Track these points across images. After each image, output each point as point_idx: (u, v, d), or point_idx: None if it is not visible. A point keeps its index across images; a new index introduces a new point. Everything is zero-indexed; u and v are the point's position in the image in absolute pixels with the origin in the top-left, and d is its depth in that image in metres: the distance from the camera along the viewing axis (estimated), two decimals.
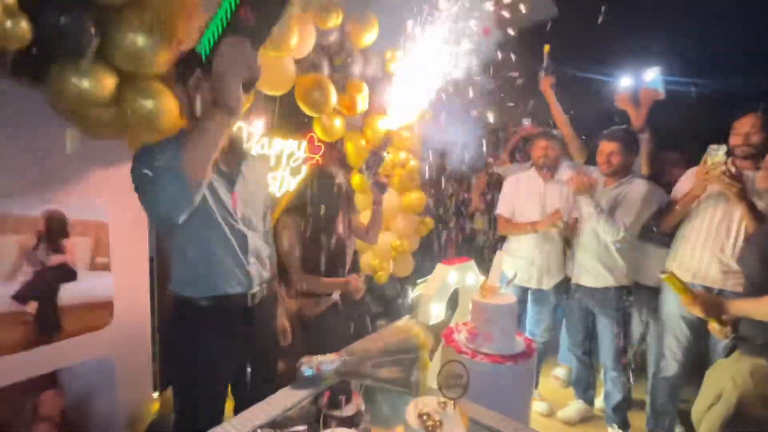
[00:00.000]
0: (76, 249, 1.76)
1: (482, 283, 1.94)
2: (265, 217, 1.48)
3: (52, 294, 1.70)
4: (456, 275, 2.56)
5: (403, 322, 1.83)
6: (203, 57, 0.93)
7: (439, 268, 2.52)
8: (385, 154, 1.90)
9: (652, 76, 2.52)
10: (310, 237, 1.83)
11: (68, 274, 1.74)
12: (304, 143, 2.59)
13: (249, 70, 0.93)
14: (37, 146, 1.57)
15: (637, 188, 2.21)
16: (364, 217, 2.27)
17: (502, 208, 2.66)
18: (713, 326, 1.46)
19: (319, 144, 2.62)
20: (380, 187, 1.95)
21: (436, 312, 2.53)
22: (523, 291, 2.62)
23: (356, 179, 2.61)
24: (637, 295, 2.43)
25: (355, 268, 2.06)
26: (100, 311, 1.84)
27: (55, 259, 1.70)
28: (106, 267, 1.85)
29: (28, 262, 1.63)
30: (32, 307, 1.64)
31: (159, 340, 1.99)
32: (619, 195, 2.25)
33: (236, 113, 0.99)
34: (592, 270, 2.33)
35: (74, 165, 1.69)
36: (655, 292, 2.38)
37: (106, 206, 1.82)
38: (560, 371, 3.12)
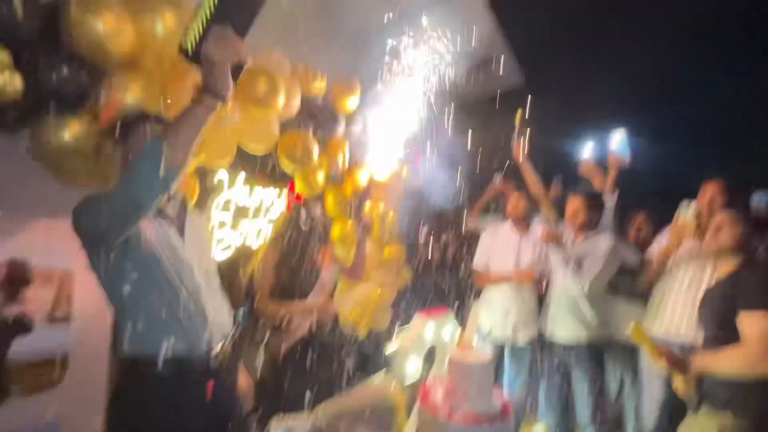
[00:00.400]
0: (36, 300, 1.68)
1: (459, 340, 1.93)
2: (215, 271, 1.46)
3: (3, 348, 1.59)
4: (433, 327, 2.54)
5: (379, 379, 1.77)
6: (189, 52, 0.94)
7: (417, 319, 2.49)
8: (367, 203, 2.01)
9: (618, 141, 2.72)
10: (285, 265, 1.86)
11: (23, 326, 1.64)
12: (285, 192, 2.63)
13: (236, 54, 0.94)
14: (3, 190, 1.54)
15: (603, 243, 2.33)
16: (337, 252, 2.32)
17: (478, 262, 2.72)
18: (677, 384, 1.49)
19: (299, 194, 2.67)
20: (365, 227, 2.11)
21: (413, 369, 2.46)
22: (500, 347, 2.61)
23: (336, 230, 2.64)
24: (611, 351, 2.45)
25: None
26: (52, 369, 1.71)
27: (11, 310, 1.61)
28: (66, 319, 1.76)
29: None
30: None
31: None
32: (586, 249, 2.36)
33: (224, 98, 0.99)
34: (564, 325, 2.36)
35: (43, 210, 1.65)
36: (629, 348, 2.41)
37: (74, 254, 1.76)
38: (539, 428, 3.02)
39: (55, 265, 1.74)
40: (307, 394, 1.66)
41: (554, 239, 2.27)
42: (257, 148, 2.04)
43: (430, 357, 2.64)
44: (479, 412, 1.65)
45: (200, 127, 1.01)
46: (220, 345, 1.30)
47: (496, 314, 2.54)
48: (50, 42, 1.32)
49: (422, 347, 2.52)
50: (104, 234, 1.09)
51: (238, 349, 1.54)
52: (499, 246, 2.67)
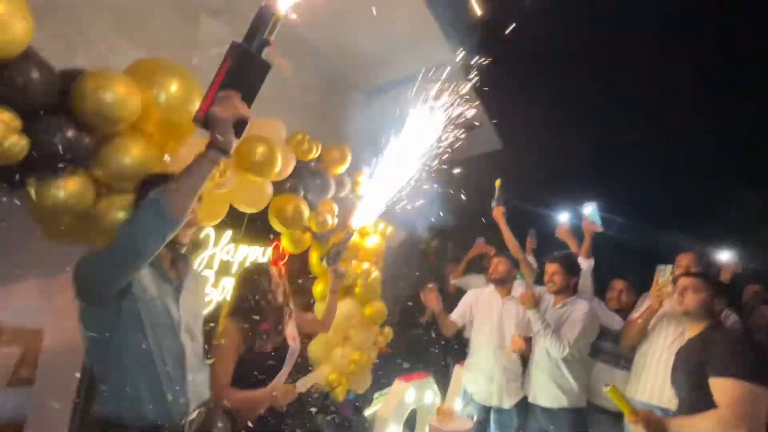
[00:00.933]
0: (1, 358, 1.59)
1: (439, 407, 1.90)
2: (200, 331, 1.45)
3: None
4: (414, 393, 2.49)
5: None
6: (200, 117, 1.01)
7: (397, 384, 2.44)
8: (344, 247, 2.03)
9: (589, 210, 2.92)
10: (246, 343, 1.72)
11: None
12: (269, 250, 2.65)
13: (238, 112, 0.99)
14: None
15: (581, 308, 2.41)
16: (318, 309, 2.27)
17: (455, 315, 2.76)
18: None
19: (284, 251, 2.69)
20: (339, 275, 2.08)
21: None
22: (486, 411, 2.56)
23: (318, 288, 2.65)
24: (595, 417, 2.44)
25: (303, 371, 1.96)
26: None
27: None
28: (29, 381, 1.66)
29: None
30: None
31: None
32: (564, 314, 2.42)
33: (227, 152, 1.05)
34: (546, 389, 2.37)
35: (20, 267, 1.62)
36: (614, 414, 2.39)
37: (44, 311, 1.71)
38: None
39: (25, 322, 1.68)
40: None
41: (532, 302, 2.34)
42: (249, 209, 2.10)
43: (410, 422, 2.56)
44: None
45: (203, 179, 1.08)
46: (195, 412, 1.26)
47: (480, 378, 2.53)
48: (60, 107, 1.40)
49: (402, 413, 2.44)
50: (102, 284, 1.12)
51: (212, 416, 1.48)
52: (482, 308, 2.72)
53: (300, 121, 2.55)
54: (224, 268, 2.41)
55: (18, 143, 1.25)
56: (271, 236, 2.64)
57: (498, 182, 3.05)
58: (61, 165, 1.37)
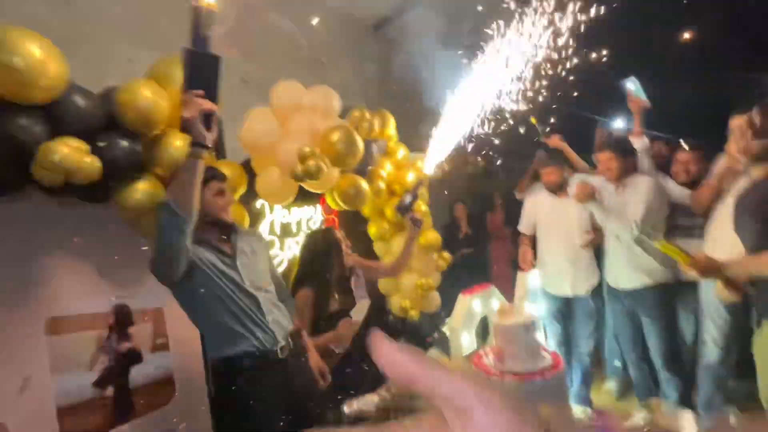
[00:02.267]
0: (140, 335, 2.03)
1: (500, 307, 2.07)
2: (274, 278, 1.75)
3: (125, 377, 1.95)
4: (479, 303, 2.68)
5: (432, 354, 1.96)
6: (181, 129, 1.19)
7: (460, 299, 2.64)
8: (417, 194, 2.16)
9: (631, 86, 2.70)
10: (317, 300, 1.97)
11: (136, 357, 2.00)
12: (319, 207, 2.88)
13: (199, 109, 1.15)
14: (100, 252, 1.89)
15: (642, 185, 2.34)
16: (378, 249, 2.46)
17: (522, 226, 2.85)
18: (719, 290, 1.49)
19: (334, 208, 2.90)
20: (416, 222, 2.20)
21: (467, 343, 2.62)
22: (563, 301, 2.69)
23: (373, 229, 2.85)
24: (682, 292, 2.42)
25: (376, 312, 2.19)
26: (164, 388, 2.06)
27: (124, 346, 1.97)
28: (165, 347, 2.10)
29: (104, 351, 1.89)
30: (109, 391, 1.89)
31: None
32: (626, 195, 2.37)
33: (204, 145, 1.24)
34: (627, 272, 2.40)
35: (134, 263, 1.99)
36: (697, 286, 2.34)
37: (162, 294, 2.10)
38: (611, 384, 3.07)
39: (148, 305, 2.08)
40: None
41: (586, 194, 2.32)
42: (318, 191, 2.27)
43: (484, 330, 2.79)
44: (529, 369, 1.78)
45: (195, 174, 1.27)
46: (282, 340, 1.57)
47: (551, 274, 2.65)
48: (110, 124, 1.63)
49: (472, 321, 2.66)
50: (160, 272, 1.44)
51: (303, 341, 1.80)
52: (542, 210, 2.78)
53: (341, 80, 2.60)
54: (285, 230, 2.70)
55: (92, 164, 1.51)
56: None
57: (533, 119, 2.96)
58: (128, 172, 1.63)
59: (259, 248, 1.79)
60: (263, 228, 2.56)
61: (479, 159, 6.44)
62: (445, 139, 2.11)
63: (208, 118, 1.15)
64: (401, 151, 2.89)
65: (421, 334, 3.14)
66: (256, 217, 2.50)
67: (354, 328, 2.00)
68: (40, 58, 1.33)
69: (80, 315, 1.82)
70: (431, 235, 3.08)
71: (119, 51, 2.42)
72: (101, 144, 1.56)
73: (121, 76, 1.79)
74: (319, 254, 1.99)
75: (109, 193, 1.66)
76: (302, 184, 2.19)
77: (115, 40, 2.42)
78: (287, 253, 2.69)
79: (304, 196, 2.78)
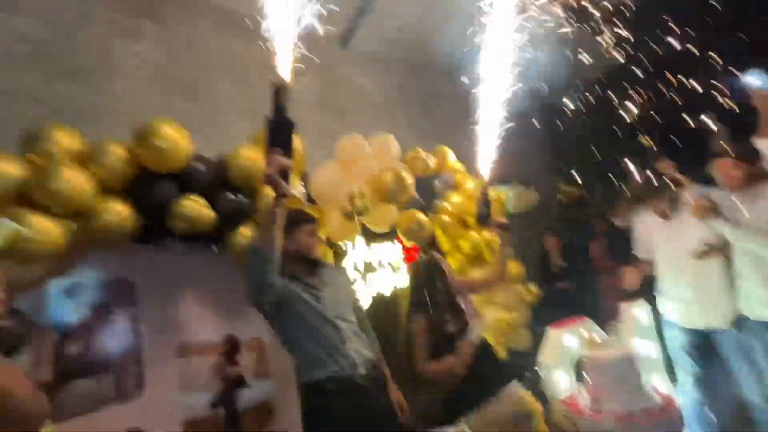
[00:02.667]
0: (246, 362, 2.32)
1: (592, 338, 1.90)
2: (356, 310, 1.90)
3: (234, 400, 2.22)
4: (572, 338, 2.46)
5: (515, 389, 1.85)
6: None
7: (550, 334, 2.47)
8: (488, 202, 2.20)
9: (756, 80, 2.43)
10: (432, 325, 2.00)
11: (242, 383, 2.27)
12: (398, 242, 3.02)
13: (278, 163, 1.35)
14: (214, 289, 2.25)
15: None
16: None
17: (637, 250, 2.60)
18: None
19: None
20: (502, 227, 2.20)
21: (564, 383, 2.40)
22: (700, 335, 2.31)
23: (465, 244, 2.88)
24: None
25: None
26: (265, 412, 2.29)
27: (233, 372, 2.26)
28: (266, 374, 2.36)
29: (217, 376, 2.21)
30: (221, 411, 2.17)
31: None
32: (757, 205, 2.05)
33: (284, 194, 1.43)
34: (764, 299, 2.03)
35: (241, 299, 2.33)
36: None
37: (264, 325, 2.40)
38: None
39: (253, 335, 2.38)
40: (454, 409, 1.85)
41: (706, 209, 2.05)
42: (380, 229, 2.48)
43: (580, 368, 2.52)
44: (630, 408, 1.57)
45: (274, 220, 1.49)
46: (362, 367, 1.68)
47: (677, 303, 2.31)
48: (222, 183, 2.03)
49: (567, 358, 2.45)
50: (258, 303, 1.68)
51: (383, 372, 1.89)
52: (656, 234, 2.49)
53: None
54: (367, 267, 2.88)
55: (209, 215, 1.88)
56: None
57: (644, 138, 2.80)
58: (235, 220, 1.99)
59: (342, 282, 1.98)
60: (347, 264, 2.77)
61: (572, 186, 6.08)
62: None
63: (285, 172, 1.38)
64: (470, 183, 2.94)
65: (510, 372, 2.96)
66: (339, 255, 2.73)
67: (471, 347, 1.98)
68: (176, 140, 1.77)
69: (200, 342, 2.18)
70: (512, 266, 2.98)
71: (231, 125, 3.00)
72: (216, 199, 1.95)
73: (232, 144, 2.25)
74: (425, 282, 2.07)
75: (222, 238, 2.03)
76: (366, 224, 2.38)
77: (229, 117, 3.02)
78: (370, 289, 2.85)
79: (383, 235, 2.97)
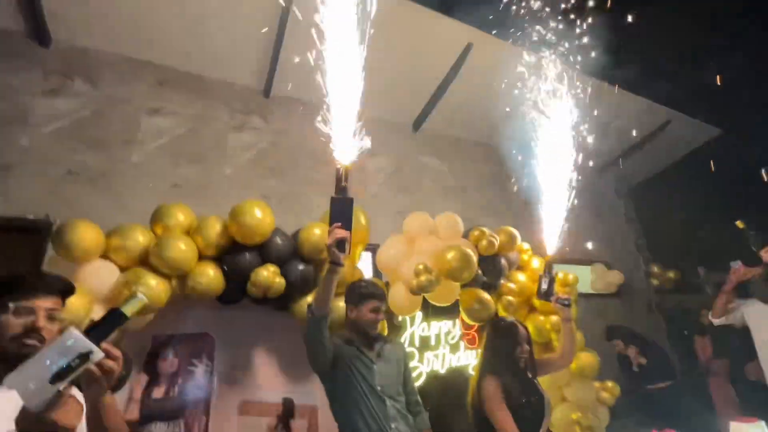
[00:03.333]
0: (298, 428, 2.39)
1: None
2: (408, 389, 1.92)
3: None
4: None
5: None
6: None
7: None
8: (551, 277, 2.19)
9: None
10: (503, 386, 1.88)
11: None
12: (458, 322, 2.98)
13: (336, 236, 1.47)
14: (278, 352, 2.43)
15: None
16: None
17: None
18: None
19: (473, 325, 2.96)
20: (564, 302, 2.16)
21: None
22: None
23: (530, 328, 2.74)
24: None
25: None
26: None
27: None
28: None
29: None
30: None
31: None
32: None
33: (338, 263, 1.55)
34: None
35: (300, 364, 2.47)
36: None
37: (318, 393, 2.49)
38: None
39: (307, 402, 2.47)
40: None
41: None
42: (442, 304, 2.54)
43: None
44: None
45: (331, 285, 1.63)
46: None
47: None
48: (294, 254, 2.30)
49: None
50: (313, 361, 1.79)
51: None
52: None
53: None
54: (424, 343, 2.86)
55: (280, 282, 2.13)
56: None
57: (740, 223, 2.63)
58: (302, 288, 2.21)
59: (398, 358, 2.02)
60: (403, 340, 2.79)
61: (669, 269, 5.44)
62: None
63: (341, 243, 1.54)
64: (535, 262, 2.86)
65: None
66: (396, 329, 2.78)
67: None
68: (262, 217, 2.10)
69: (261, 401, 2.32)
70: (583, 357, 2.70)
71: (309, 200, 3.41)
72: (288, 268, 2.22)
73: (310, 218, 2.56)
74: (504, 342, 1.98)
75: (288, 304, 2.25)
76: (428, 298, 2.42)
77: (307, 193, 3.46)
78: (425, 367, 2.80)
79: (443, 312, 2.96)
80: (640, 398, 3.09)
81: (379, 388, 1.79)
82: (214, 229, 2.09)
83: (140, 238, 1.99)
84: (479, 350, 2.14)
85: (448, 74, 3.84)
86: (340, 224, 1.52)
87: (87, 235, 1.84)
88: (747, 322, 2.55)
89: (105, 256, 1.94)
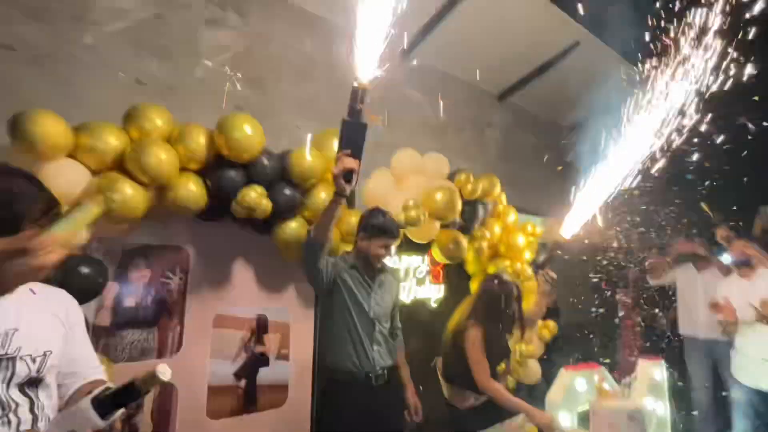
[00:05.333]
0: (271, 342, 2.50)
1: (598, 385, 1.95)
2: (393, 316, 2.04)
3: (254, 375, 2.40)
4: (584, 383, 2.49)
5: (517, 419, 1.93)
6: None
7: (562, 373, 2.50)
8: (553, 256, 2.28)
9: None
10: (494, 343, 2.05)
11: (265, 360, 2.45)
12: (426, 258, 3.13)
13: (344, 165, 1.42)
14: (258, 271, 2.45)
15: None
16: None
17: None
18: None
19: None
20: (548, 280, 2.29)
21: (567, 424, 2.43)
22: (761, 396, 2.42)
23: (474, 285, 2.97)
24: None
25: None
26: (280, 392, 2.46)
27: (258, 349, 2.45)
28: (286, 357, 2.53)
29: (244, 350, 2.39)
30: (243, 383, 2.35)
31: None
32: None
33: (342, 194, 1.54)
34: None
35: (275, 283, 2.51)
36: None
37: (290, 312, 2.58)
38: None
39: (280, 319, 2.56)
40: None
41: None
42: (421, 241, 2.61)
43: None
44: None
45: (333, 214, 1.62)
46: (380, 370, 1.84)
47: (747, 362, 2.41)
48: (281, 177, 2.20)
49: (574, 401, 2.48)
50: (313, 282, 1.87)
51: (401, 379, 2.03)
52: (728, 291, 2.60)
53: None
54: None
55: (267, 205, 2.06)
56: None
57: (705, 206, 2.85)
58: (287, 213, 2.16)
59: (393, 287, 2.10)
60: None
61: (617, 231, 6.00)
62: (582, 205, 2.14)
63: (349, 173, 1.46)
64: (512, 215, 3.01)
65: None
66: None
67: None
68: (252, 134, 1.95)
69: (235, 317, 2.37)
70: (531, 300, 3.02)
71: (289, 119, 3.20)
72: (274, 191, 2.14)
73: (293, 140, 2.43)
74: (497, 298, 2.08)
75: (271, 227, 2.21)
76: (407, 233, 2.50)
77: (290, 113, 3.23)
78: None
79: (415, 247, 3.09)
80: (573, 335, 3.58)
81: (372, 313, 1.88)
82: (198, 140, 1.92)
83: (112, 139, 1.78)
84: (451, 290, 2.28)
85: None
86: (349, 151, 1.43)
87: (52, 129, 1.60)
88: (676, 282, 2.95)
89: (72, 155, 1.73)
